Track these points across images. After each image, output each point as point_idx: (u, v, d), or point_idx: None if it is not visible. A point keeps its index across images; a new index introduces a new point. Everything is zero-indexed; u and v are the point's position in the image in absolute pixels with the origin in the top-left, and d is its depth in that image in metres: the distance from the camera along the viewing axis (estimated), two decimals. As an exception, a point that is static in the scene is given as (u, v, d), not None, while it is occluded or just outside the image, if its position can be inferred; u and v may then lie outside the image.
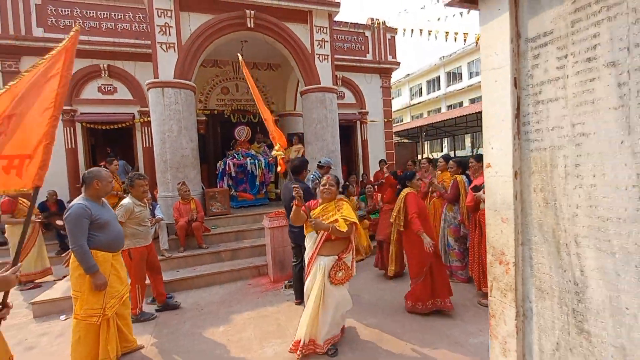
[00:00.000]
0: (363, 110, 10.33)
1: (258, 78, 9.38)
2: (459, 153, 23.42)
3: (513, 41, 1.23)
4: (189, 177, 6.51)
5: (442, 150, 26.28)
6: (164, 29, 6.28)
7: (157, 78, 6.22)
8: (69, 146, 7.70)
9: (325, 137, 7.44)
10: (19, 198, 5.71)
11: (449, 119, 13.55)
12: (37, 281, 5.65)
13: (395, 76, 15.80)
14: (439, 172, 5.38)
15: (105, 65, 7.92)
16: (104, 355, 3.00)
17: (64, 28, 7.58)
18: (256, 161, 7.64)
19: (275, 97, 9.73)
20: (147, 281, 4.35)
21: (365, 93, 10.35)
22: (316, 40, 7.36)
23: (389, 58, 10.63)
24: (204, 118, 8.89)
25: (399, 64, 10.87)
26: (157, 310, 4.34)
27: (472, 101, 25.93)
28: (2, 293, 1.83)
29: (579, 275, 1.10)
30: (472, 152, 22.11)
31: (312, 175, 5.30)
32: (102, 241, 3.00)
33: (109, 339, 3.04)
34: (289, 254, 5.04)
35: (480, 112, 11.03)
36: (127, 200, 3.92)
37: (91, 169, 3.21)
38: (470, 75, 27.81)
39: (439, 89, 30.00)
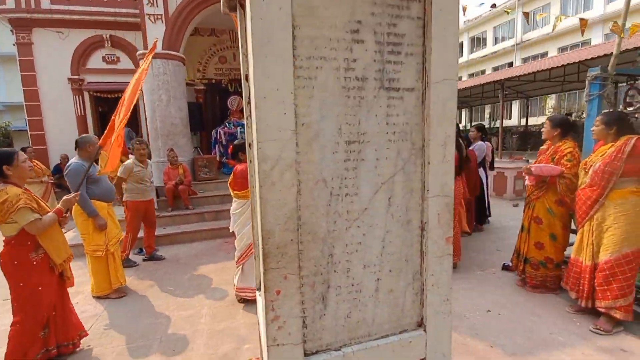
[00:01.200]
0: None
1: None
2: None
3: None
4: (178, 144, 7.35)
5: (460, 122, 25.60)
6: (152, 1, 6.93)
7: (146, 49, 6.94)
8: (79, 114, 8.79)
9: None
10: (34, 160, 6.84)
11: (465, 87, 13.35)
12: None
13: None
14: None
15: (107, 35, 8.79)
16: (114, 281, 4.04)
17: (68, -1, 8.48)
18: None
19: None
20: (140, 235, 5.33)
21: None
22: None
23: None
24: (202, 87, 9.61)
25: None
26: (144, 260, 5.36)
27: (496, 68, 24.91)
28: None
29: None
30: (490, 124, 21.53)
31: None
32: (96, 193, 3.93)
33: (116, 269, 4.07)
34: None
35: (498, 81, 10.91)
36: (129, 161, 4.92)
37: (84, 135, 4.19)
38: (496, 41, 26.48)
39: (461, 56, 28.97)
